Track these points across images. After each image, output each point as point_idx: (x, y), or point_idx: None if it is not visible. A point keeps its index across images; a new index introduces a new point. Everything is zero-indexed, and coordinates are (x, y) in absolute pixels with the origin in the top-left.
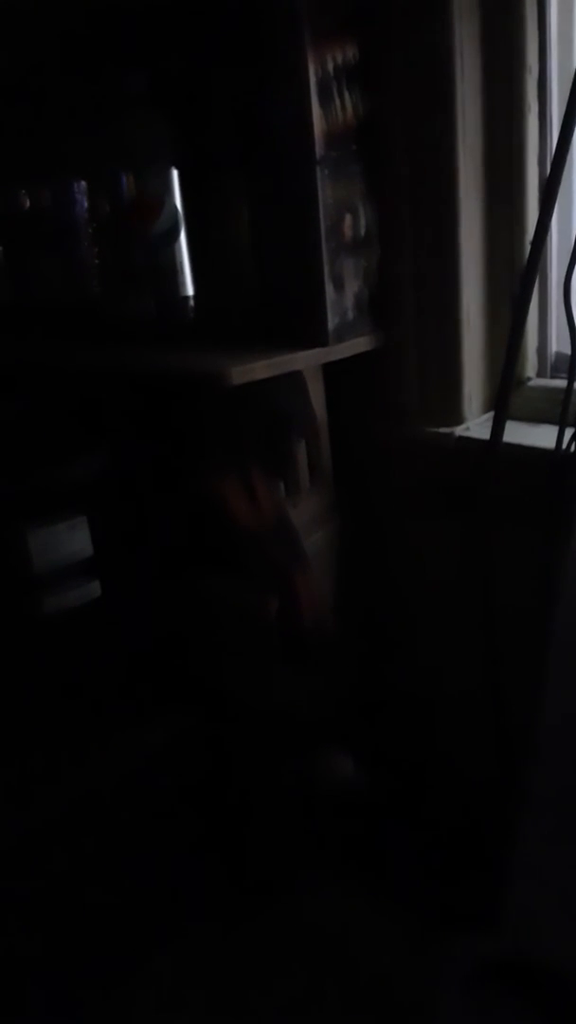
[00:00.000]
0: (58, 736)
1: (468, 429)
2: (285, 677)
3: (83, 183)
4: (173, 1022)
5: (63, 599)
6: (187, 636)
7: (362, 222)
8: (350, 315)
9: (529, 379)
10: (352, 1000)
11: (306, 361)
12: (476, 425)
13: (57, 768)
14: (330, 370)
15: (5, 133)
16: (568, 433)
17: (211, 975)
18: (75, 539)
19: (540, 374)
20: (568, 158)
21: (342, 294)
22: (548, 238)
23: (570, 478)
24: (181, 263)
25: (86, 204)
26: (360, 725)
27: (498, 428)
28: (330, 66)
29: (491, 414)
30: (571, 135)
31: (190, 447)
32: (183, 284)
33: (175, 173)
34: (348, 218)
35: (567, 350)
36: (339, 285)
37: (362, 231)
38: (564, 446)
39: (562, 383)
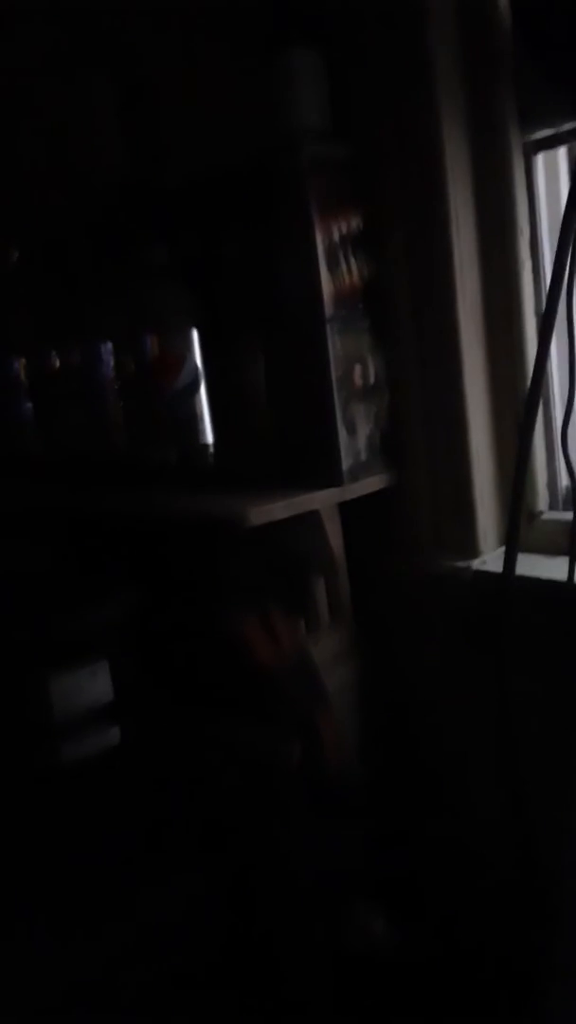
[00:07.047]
0: (75, 897)
1: (484, 563)
2: (312, 825)
3: (109, 344)
4: None
5: (81, 747)
6: (209, 784)
7: (371, 371)
8: (363, 456)
9: (541, 512)
10: None
11: (322, 501)
12: (492, 558)
13: (74, 931)
14: (346, 509)
15: (38, 300)
16: None
17: None
18: (96, 684)
19: (552, 507)
20: (561, 306)
21: (355, 437)
22: (547, 381)
23: None
24: (201, 414)
25: (112, 363)
26: (390, 874)
27: (510, 563)
28: (336, 236)
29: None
30: (560, 291)
31: (211, 588)
32: (203, 433)
33: (195, 333)
34: (358, 368)
35: None
36: (351, 429)
37: (371, 379)
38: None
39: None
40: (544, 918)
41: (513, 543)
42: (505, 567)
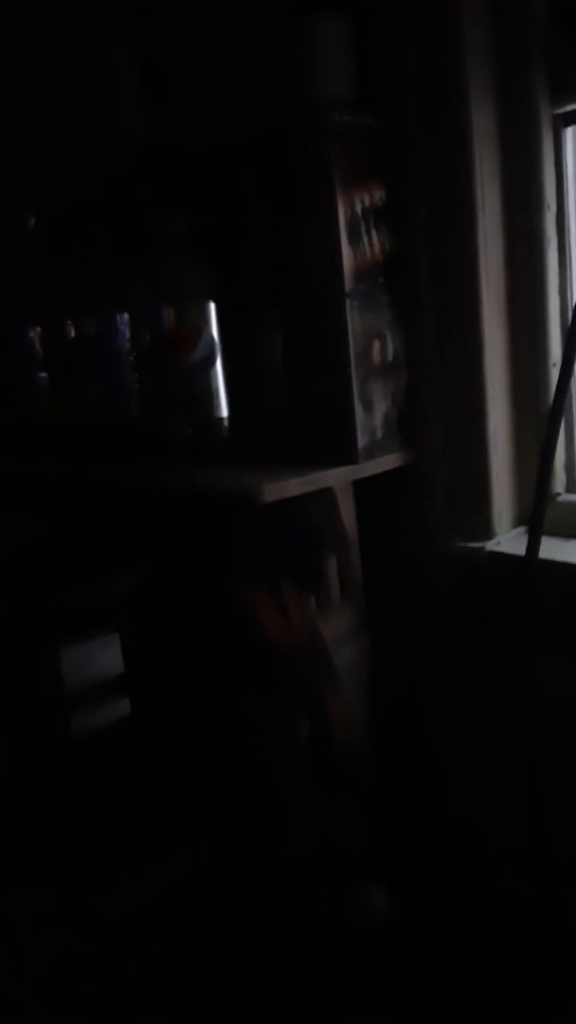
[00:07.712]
0: (82, 864)
1: (499, 544)
2: (318, 802)
3: (126, 315)
4: None
5: (92, 718)
6: (217, 757)
7: (390, 348)
8: (379, 434)
9: (558, 495)
10: None
11: (337, 478)
12: (507, 540)
13: (80, 898)
14: (360, 487)
15: (55, 268)
16: None
17: None
18: (107, 656)
19: (569, 490)
20: None
21: (371, 414)
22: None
23: None
24: (216, 388)
25: (128, 334)
26: (395, 853)
27: (534, 543)
28: (359, 208)
29: (521, 529)
30: None
31: (223, 563)
32: (218, 407)
33: (212, 306)
34: (376, 345)
35: None
36: (368, 406)
37: (390, 356)
38: None
39: None
40: (560, 904)
41: (537, 528)
42: (528, 552)
